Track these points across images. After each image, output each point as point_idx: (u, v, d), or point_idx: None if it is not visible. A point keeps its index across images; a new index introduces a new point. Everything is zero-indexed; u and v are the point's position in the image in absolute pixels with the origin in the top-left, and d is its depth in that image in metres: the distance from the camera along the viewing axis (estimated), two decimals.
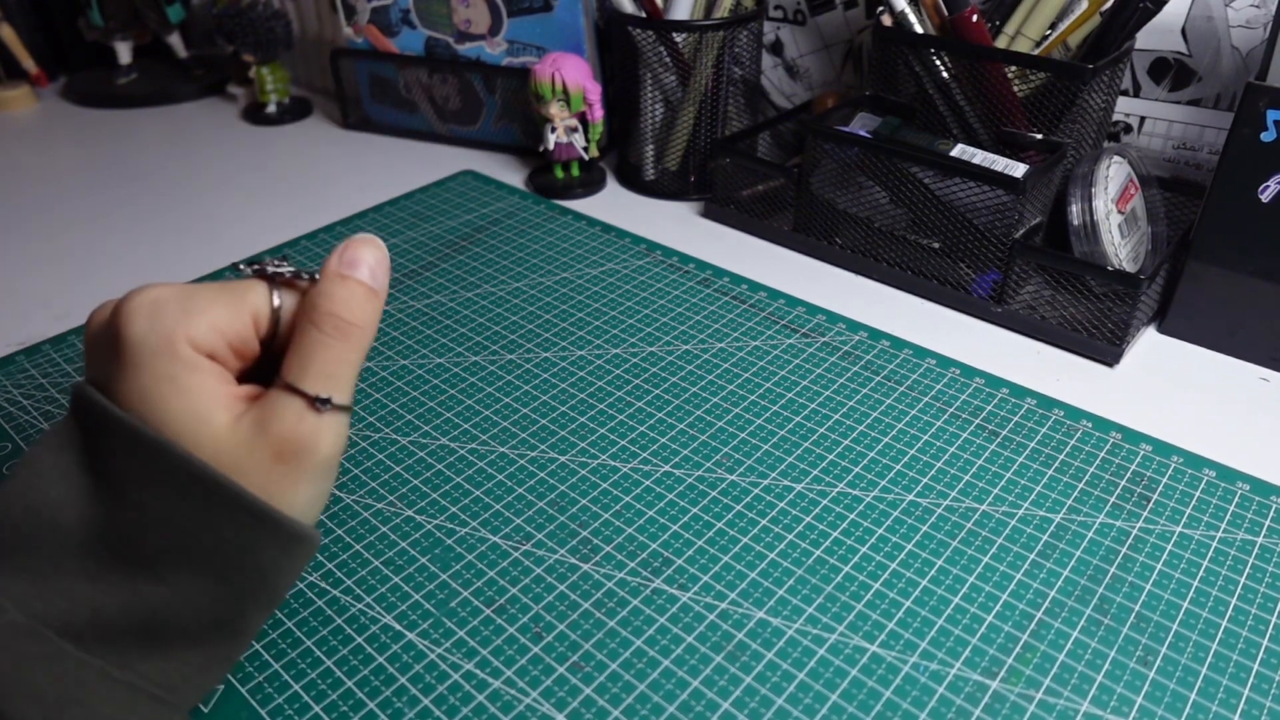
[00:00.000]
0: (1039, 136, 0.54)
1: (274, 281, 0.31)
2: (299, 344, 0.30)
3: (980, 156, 0.53)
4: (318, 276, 0.31)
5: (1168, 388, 0.49)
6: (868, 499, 0.41)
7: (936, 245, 0.55)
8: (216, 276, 0.59)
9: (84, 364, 0.31)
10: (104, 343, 0.29)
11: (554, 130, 0.68)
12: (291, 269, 0.32)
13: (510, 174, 0.73)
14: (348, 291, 0.30)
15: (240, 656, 0.31)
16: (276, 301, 0.31)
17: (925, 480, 0.42)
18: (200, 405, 0.28)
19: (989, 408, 0.46)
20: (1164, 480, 0.42)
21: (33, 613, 0.27)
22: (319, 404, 0.29)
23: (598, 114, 0.68)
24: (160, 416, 0.28)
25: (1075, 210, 0.53)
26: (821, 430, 0.45)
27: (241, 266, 0.32)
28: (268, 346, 0.31)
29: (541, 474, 0.43)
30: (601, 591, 0.37)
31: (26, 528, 0.27)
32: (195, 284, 0.30)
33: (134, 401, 0.28)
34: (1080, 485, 0.42)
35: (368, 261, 0.31)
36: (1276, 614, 0.36)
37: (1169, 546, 0.38)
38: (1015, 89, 0.54)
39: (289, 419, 0.29)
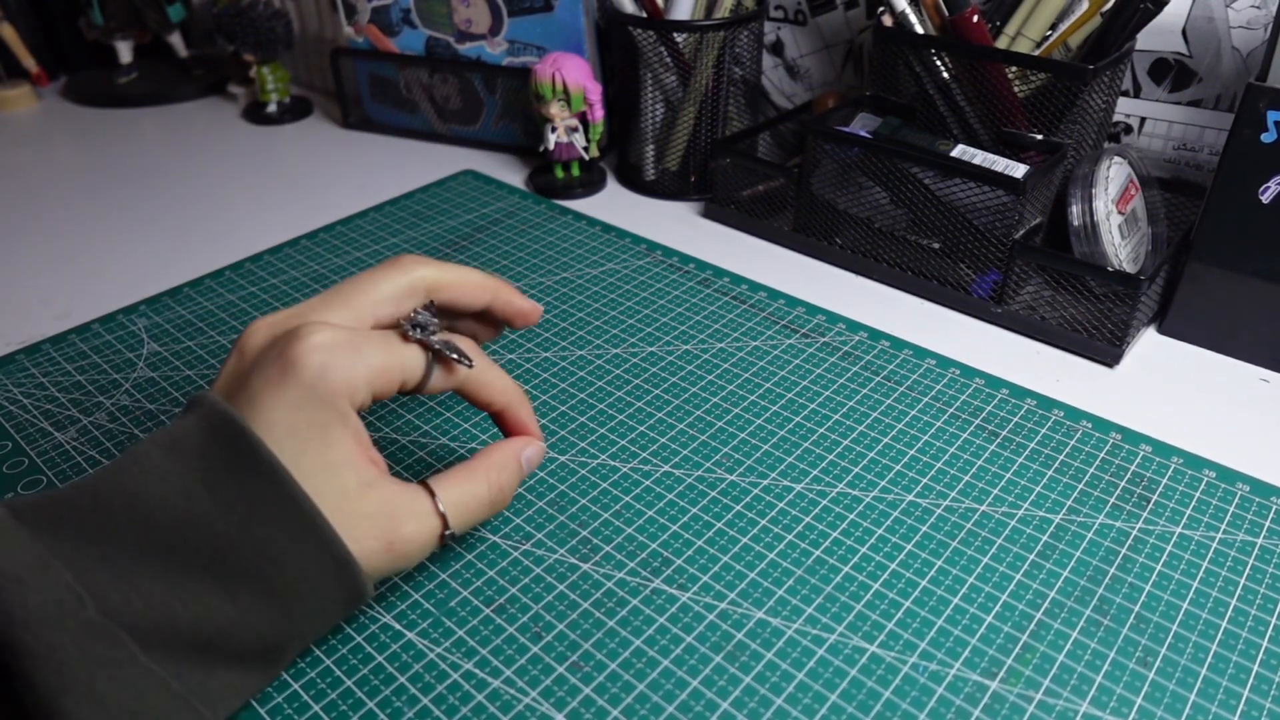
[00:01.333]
0: (1039, 137, 0.54)
1: (436, 356, 0.34)
2: (465, 478, 0.34)
3: (980, 157, 0.53)
4: (472, 364, 0.34)
5: (1168, 388, 0.49)
6: (867, 499, 0.41)
7: (936, 245, 0.55)
8: (216, 276, 0.59)
9: (224, 371, 0.33)
10: (271, 366, 0.30)
11: (554, 130, 0.68)
12: (450, 342, 0.34)
13: (510, 174, 0.73)
14: (520, 477, 0.36)
15: (277, 673, 0.32)
16: (430, 377, 0.34)
17: (925, 480, 0.42)
18: (336, 459, 0.30)
19: (989, 408, 0.46)
20: (1164, 481, 0.42)
21: (109, 606, 0.27)
22: (448, 536, 0.33)
23: (598, 114, 0.68)
24: (295, 456, 0.29)
25: (1075, 211, 0.53)
26: (821, 430, 0.45)
27: (408, 329, 0.33)
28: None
29: (541, 474, 0.43)
30: (601, 591, 0.37)
31: (121, 517, 0.28)
32: (364, 332, 0.32)
33: (279, 434, 0.29)
34: (1080, 486, 0.42)
35: (537, 462, 0.37)
36: (1276, 615, 0.36)
37: (1169, 547, 0.38)
38: (1015, 89, 0.54)
39: (421, 529, 0.32)
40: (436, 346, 0.33)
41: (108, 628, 0.26)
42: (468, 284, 0.36)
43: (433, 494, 0.33)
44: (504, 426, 0.37)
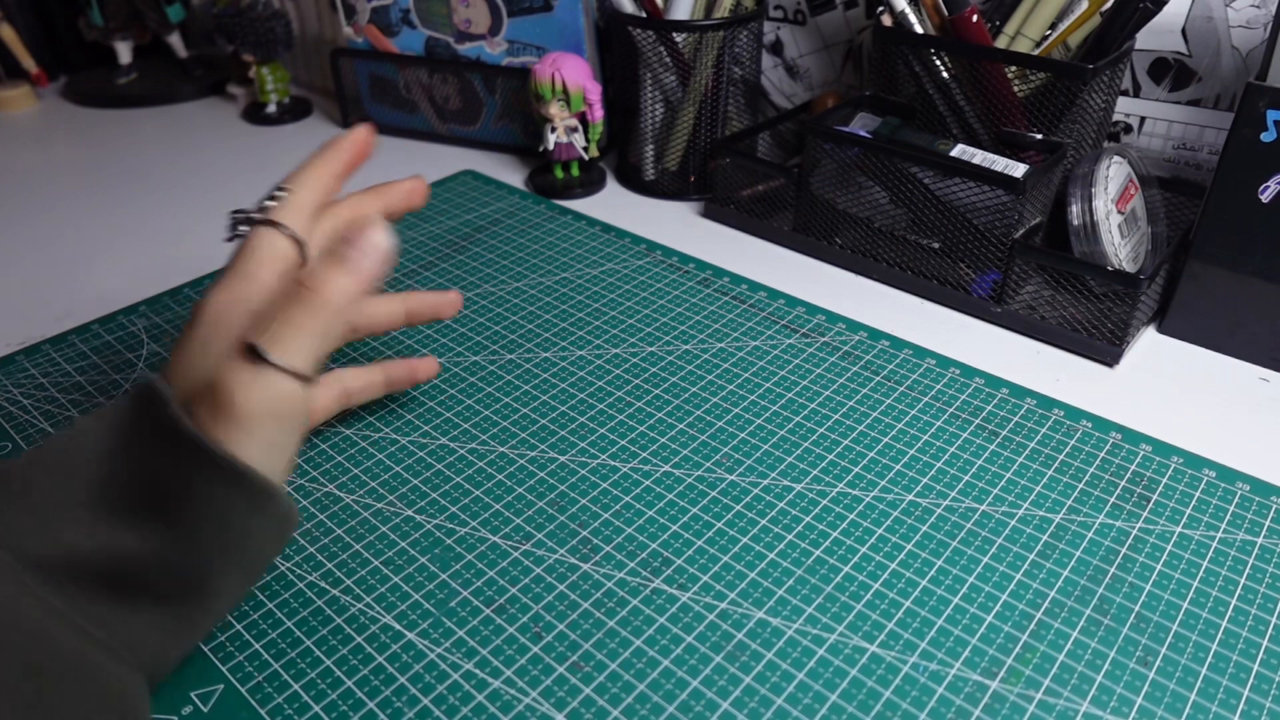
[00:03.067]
0: (1039, 136, 0.54)
1: (260, 223, 0.36)
2: (273, 303, 0.33)
3: (980, 156, 0.53)
4: (281, 194, 0.37)
5: (1168, 388, 0.49)
6: (867, 499, 0.41)
7: (936, 245, 0.55)
8: (216, 277, 0.59)
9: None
10: None
11: (554, 130, 0.68)
12: (266, 202, 0.36)
13: (510, 174, 0.73)
14: (322, 264, 0.32)
15: (210, 625, 0.32)
16: (295, 242, 0.36)
17: (925, 480, 0.42)
18: (209, 361, 0.33)
19: (989, 408, 0.46)
20: (1164, 480, 0.42)
21: (25, 550, 0.29)
22: (251, 352, 0.30)
23: (598, 114, 0.68)
24: (189, 379, 0.33)
25: (1075, 210, 0.53)
26: (821, 430, 0.45)
27: (237, 228, 0.36)
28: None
29: (541, 474, 0.43)
30: (601, 591, 0.37)
31: (44, 474, 0.30)
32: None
33: (175, 366, 0.34)
34: (1080, 485, 0.42)
35: (358, 243, 0.32)
36: (1276, 614, 0.36)
37: (1169, 547, 0.38)
38: (1015, 89, 0.54)
39: (226, 366, 0.31)
40: (254, 218, 0.36)
41: (6, 561, 0.28)
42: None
43: (249, 344, 0.31)
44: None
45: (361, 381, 0.44)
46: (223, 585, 0.31)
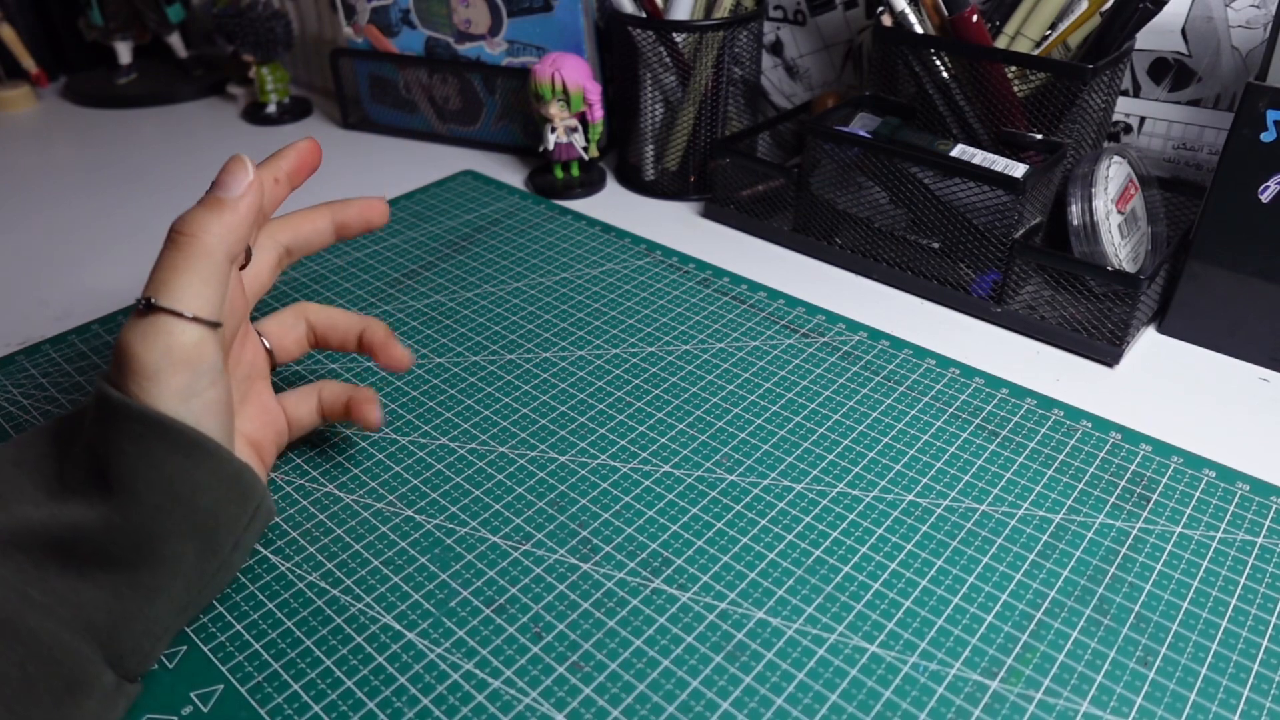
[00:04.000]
0: (1039, 136, 0.54)
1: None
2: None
3: (980, 156, 0.53)
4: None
5: (1168, 388, 0.49)
6: (867, 499, 0.41)
7: (936, 245, 0.55)
8: None
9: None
10: None
11: (554, 130, 0.68)
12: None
13: (510, 174, 0.73)
14: (195, 206, 0.33)
15: (177, 595, 0.32)
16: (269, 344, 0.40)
17: (925, 480, 0.42)
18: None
19: (989, 408, 0.46)
20: (1164, 480, 0.42)
21: None
22: (139, 302, 0.31)
23: (597, 114, 0.68)
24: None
25: (1075, 210, 0.53)
26: (821, 430, 0.45)
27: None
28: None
29: (541, 474, 0.43)
30: (601, 591, 0.37)
31: (10, 455, 0.32)
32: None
33: None
34: (1080, 485, 0.42)
35: (222, 177, 0.34)
36: (1276, 614, 0.36)
37: (1169, 547, 0.38)
38: (1015, 89, 0.54)
39: (125, 325, 0.32)
40: None
41: None
42: (301, 221, 0.41)
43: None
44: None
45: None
46: (175, 548, 0.32)
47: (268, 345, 0.41)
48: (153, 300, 0.31)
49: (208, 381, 0.32)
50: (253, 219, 0.34)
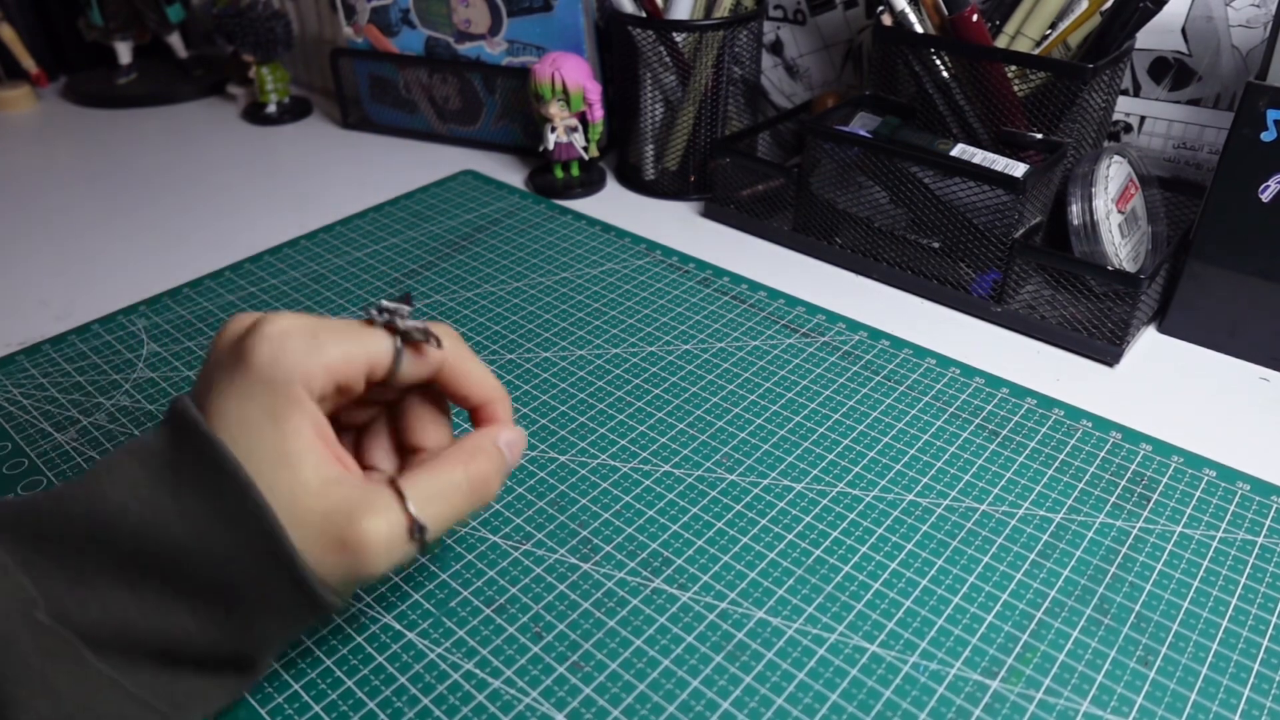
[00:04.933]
0: (1039, 136, 0.54)
1: (403, 338, 0.32)
2: (437, 469, 0.31)
3: (980, 156, 0.53)
4: (441, 345, 0.32)
5: (1168, 387, 0.49)
6: (868, 499, 0.41)
7: (936, 245, 0.55)
8: (216, 277, 0.59)
9: (199, 372, 0.32)
10: (227, 358, 0.29)
11: (554, 130, 0.68)
12: (420, 326, 0.32)
13: (510, 174, 0.73)
14: (502, 465, 0.32)
15: (249, 688, 0.32)
16: (399, 362, 0.32)
17: (925, 480, 0.42)
18: (293, 450, 0.28)
19: (989, 407, 0.46)
20: (1164, 480, 0.42)
21: (62, 610, 0.27)
22: (417, 529, 0.29)
23: (597, 114, 0.68)
24: (250, 448, 0.28)
25: (1075, 210, 0.53)
26: (821, 430, 0.45)
27: (374, 313, 0.32)
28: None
29: (541, 474, 0.43)
30: (601, 591, 0.37)
31: (84, 524, 0.27)
32: (325, 319, 0.31)
33: (231, 425, 0.28)
34: (1080, 485, 0.42)
35: (519, 449, 0.34)
36: (1277, 614, 0.35)
37: (1169, 546, 0.38)
38: (1015, 89, 0.54)
39: (379, 524, 0.28)
40: (403, 328, 0.32)
41: (57, 630, 0.26)
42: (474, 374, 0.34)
43: (399, 491, 0.29)
44: (482, 424, 0.35)
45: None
46: (266, 663, 0.31)
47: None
48: (420, 519, 0.29)
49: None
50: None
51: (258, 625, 0.29)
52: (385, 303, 0.32)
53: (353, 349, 0.30)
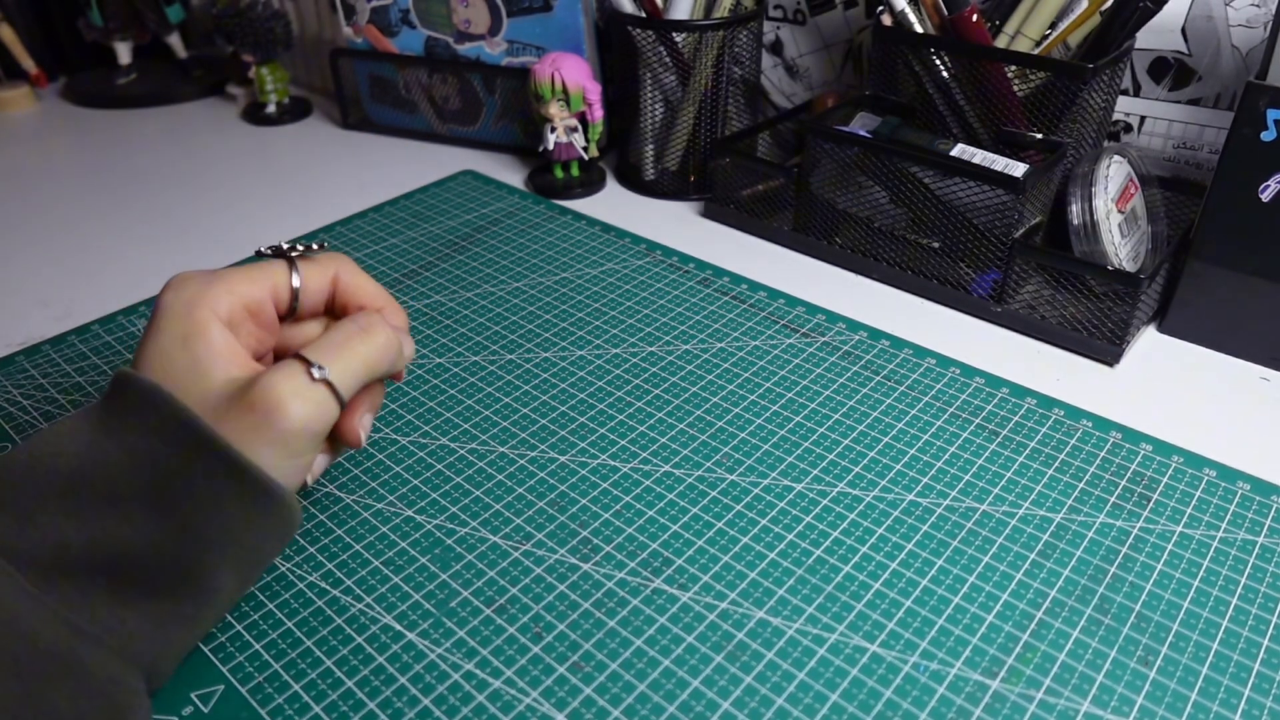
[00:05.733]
0: (1039, 136, 0.54)
1: (293, 262, 0.36)
2: (330, 330, 0.34)
3: (980, 156, 0.53)
4: (327, 246, 0.36)
5: (1168, 387, 0.49)
6: (868, 499, 0.41)
7: (936, 245, 0.55)
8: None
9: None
10: (150, 316, 0.33)
11: (554, 130, 0.68)
12: (306, 244, 0.36)
13: (510, 174, 0.73)
14: (380, 316, 0.35)
15: (208, 623, 0.32)
16: (296, 281, 0.35)
17: (925, 480, 0.42)
18: (202, 360, 0.32)
19: (989, 407, 0.46)
20: (1164, 480, 0.42)
21: (14, 549, 0.29)
22: (313, 368, 0.32)
23: (597, 114, 0.68)
24: (167, 371, 0.31)
25: (1075, 210, 0.53)
26: (821, 430, 0.45)
27: (263, 249, 0.36)
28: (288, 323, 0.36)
29: (541, 474, 0.43)
30: (601, 591, 0.37)
31: (24, 470, 0.30)
32: (224, 269, 0.35)
33: (151, 361, 0.32)
34: (1080, 485, 0.42)
35: (405, 335, 0.37)
36: (1277, 614, 0.35)
37: (1169, 546, 0.38)
38: (1015, 88, 0.54)
39: (278, 375, 0.31)
40: (291, 251, 0.36)
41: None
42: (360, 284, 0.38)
43: (304, 358, 0.32)
44: None
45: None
46: (219, 581, 0.31)
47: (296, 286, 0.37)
48: (326, 375, 0.32)
49: (314, 449, 0.33)
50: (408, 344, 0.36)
51: (195, 521, 0.30)
52: (275, 247, 0.36)
53: (252, 273, 0.35)
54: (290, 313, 0.36)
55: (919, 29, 0.57)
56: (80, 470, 0.30)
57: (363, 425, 0.35)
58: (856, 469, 0.43)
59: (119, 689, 0.29)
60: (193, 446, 0.30)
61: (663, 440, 0.45)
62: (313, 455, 0.33)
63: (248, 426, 0.30)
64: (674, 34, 0.63)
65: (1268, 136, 0.45)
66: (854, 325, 0.53)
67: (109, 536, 0.29)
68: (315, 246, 0.36)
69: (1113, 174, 0.53)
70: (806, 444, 0.44)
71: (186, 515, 0.30)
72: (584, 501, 0.41)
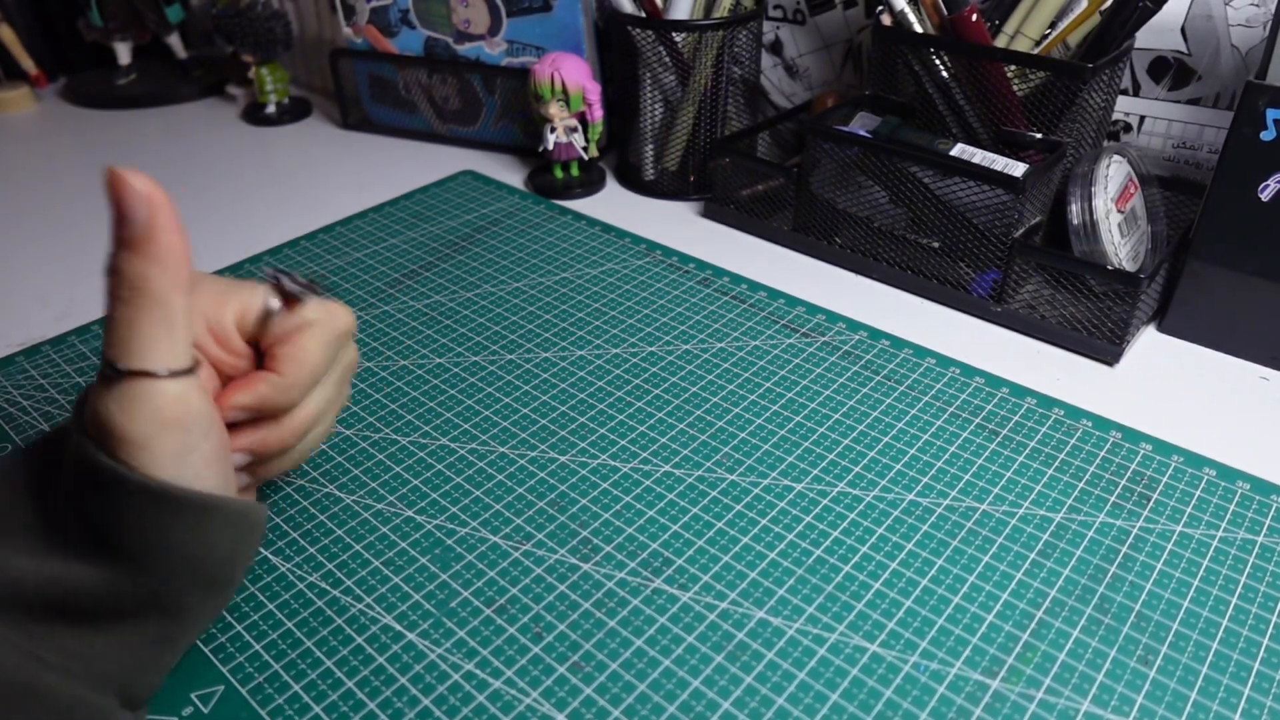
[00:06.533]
0: (1039, 136, 0.54)
1: (280, 290, 0.33)
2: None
3: (980, 156, 0.53)
4: (322, 295, 0.33)
5: (1168, 387, 0.49)
6: (868, 498, 0.41)
7: (936, 245, 0.55)
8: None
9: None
10: None
11: (553, 130, 0.68)
12: (304, 284, 0.33)
13: (510, 174, 0.73)
14: (120, 260, 0.29)
15: (186, 636, 0.32)
16: (271, 304, 0.33)
17: (925, 480, 0.42)
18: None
19: (989, 407, 0.46)
20: (1164, 479, 0.42)
21: None
22: (106, 369, 0.28)
23: (597, 114, 0.68)
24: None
25: (1075, 209, 0.53)
26: (821, 430, 0.45)
27: (266, 269, 0.34)
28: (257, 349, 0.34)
29: (541, 474, 0.43)
30: (602, 591, 0.37)
31: (6, 502, 0.29)
32: (210, 274, 0.33)
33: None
34: (1080, 484, 0.42)
35: (125, 211, 0.28)
36: (1277, 613, 0.35)
37: (1169, 545, 0.38)
38: (1015, 88, 0.54)
39: (94, 393, 0.29)
40: (283, 283, 0.33)
41: None
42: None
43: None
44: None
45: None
46: (189, 600, 0.30)
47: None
48: (119, 366, 0.28)
49: (201, 434, 0.29)
50: (180, 240, 0.29)
51: (147, 557, 0.29)
52: (283, 271, 0.34)
53: (224, 289, 0.33)
54: (256, 339, 0.33)
55: (919, 29, 0.57)
56: (36, 512, 0.29)
57: (229, 408, 0.32)
58: (856, 469, 0.43)
59: (90, 712, 0.28)
60: (105, 486, 0.28)
61: (663, 440, 0.45)
62: (208, 441, 0.30)
63: (115, 448, 0.28)
64: (674, 34, 0.63)
65: (1267, 136, 0.45)
66: (854, 325, 0.53)
67: (66, 577, 0.28)
68: (317, 291, 0.34)
69: (1112, 174, 0.53)
70: (806, 444, 0.44)
71: (133, 552, 0.29)
72: (584, 501, 0.41)
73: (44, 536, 0.29)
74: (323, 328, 0.34)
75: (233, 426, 0.33)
